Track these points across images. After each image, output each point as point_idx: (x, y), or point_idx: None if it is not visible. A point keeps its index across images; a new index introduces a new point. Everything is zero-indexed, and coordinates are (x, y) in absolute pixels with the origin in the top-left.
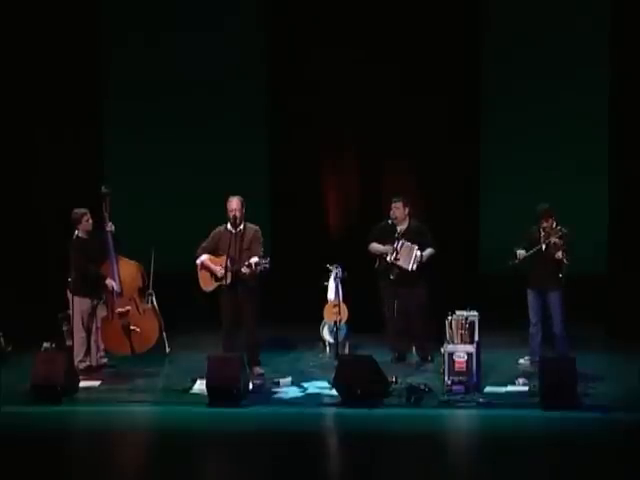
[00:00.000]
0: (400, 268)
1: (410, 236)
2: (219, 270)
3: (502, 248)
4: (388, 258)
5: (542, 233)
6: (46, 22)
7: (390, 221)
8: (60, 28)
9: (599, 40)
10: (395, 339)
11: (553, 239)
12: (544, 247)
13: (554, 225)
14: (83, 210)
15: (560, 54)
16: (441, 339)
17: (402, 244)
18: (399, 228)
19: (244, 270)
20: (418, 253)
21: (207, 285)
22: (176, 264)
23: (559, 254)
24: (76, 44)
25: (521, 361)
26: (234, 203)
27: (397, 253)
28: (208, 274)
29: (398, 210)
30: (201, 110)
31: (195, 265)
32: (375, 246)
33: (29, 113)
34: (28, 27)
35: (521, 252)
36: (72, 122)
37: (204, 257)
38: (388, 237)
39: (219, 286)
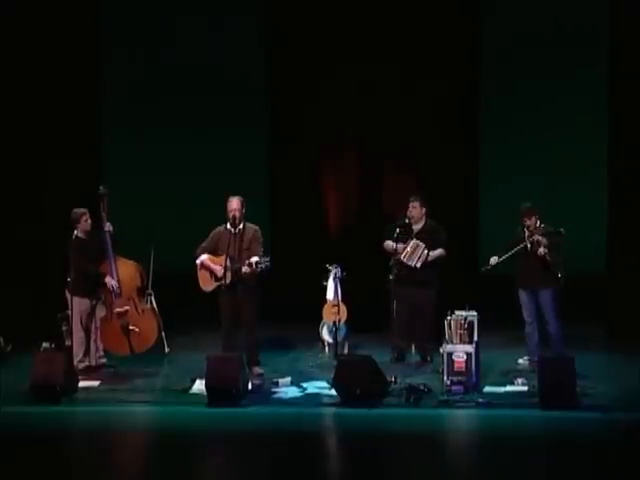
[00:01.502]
0: (406, 266)
1: (424, 235)
2: (219, 270)
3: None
4: (399, 256)
5: (526, 232)
6: (46, 24)
7: (407, 220)
8: (60, 30)
9: (598, 41)
10: (395, 338)
11: (536, 237)
12: (529, 245)
13: (538, 223)
14: (82, 210)
15: (559, 55)
16: (440, 339)
17: (412, 242)
18: (414, 227)
19: (244, 269)
20: (425, 252)
21: (206, 285)
22: (175, 264)
23: (541, 250)
24: (76, 44)
25: (520, 361)
26: (234, 203)
27: (405, 250)
28: (208, 274)
29: (415, 209)
30: (201, 110)
31: (195, 265)
32: (387, 243)
33: (28, 113)
34: (29, 30)
35: (494, 258)
36: (71, 122)
37: (204, 257)
38: (403, 235)
39: (219, 286)
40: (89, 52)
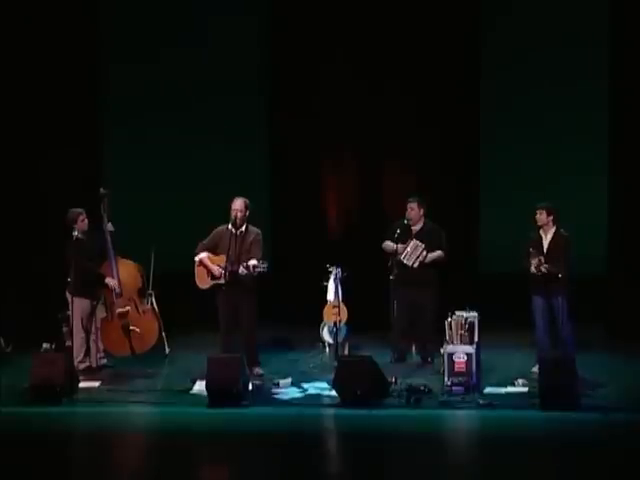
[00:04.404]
0: (405, 266)
1: (422, 237)
2: (216, 270)
3: (502, 248)
4: (399, 257)
5: (543, 235)
6: (47, 25)
7: (405, 221)
8: (61, 30)
9: (598, 44)
10: (396, 339)
11: (547, 268)
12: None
13: (554, 228)
14: (78, 210)
15: (560, 57)
16: (441, 340)
17: (412, 243)
18: (413, 228)
19: (241, 271)
20: (424, 253)
21: (203, 283)
22: (175, 264)
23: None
24: (76, 44)
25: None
26: (237, 203)
27: (405, 250)
28: (205, 272)
29: (413, 211)
30: (201, 110)
31: (193, 262)
32: (387, 244)
33: (29, 113)
34: (29, 30)
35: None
36: (72, 123)
37: (203, 255)
38: (402, 236)
39: (215, 285)
40: (90, 52)
